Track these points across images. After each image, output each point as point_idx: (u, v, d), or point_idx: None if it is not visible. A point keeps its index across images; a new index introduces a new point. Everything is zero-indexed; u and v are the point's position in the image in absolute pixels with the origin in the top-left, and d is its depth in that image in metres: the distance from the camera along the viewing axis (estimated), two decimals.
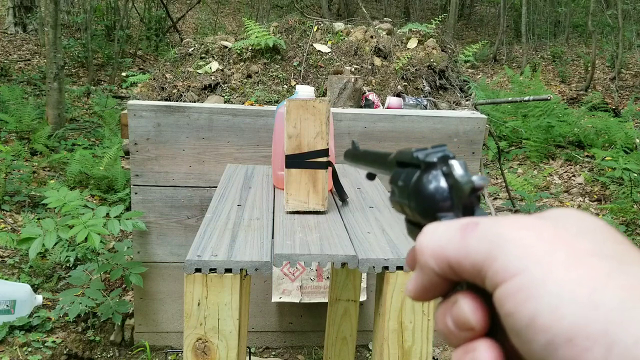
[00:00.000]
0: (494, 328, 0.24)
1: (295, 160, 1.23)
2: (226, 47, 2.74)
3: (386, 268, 1.01)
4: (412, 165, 0.32)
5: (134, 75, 3.05)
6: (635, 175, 4.06)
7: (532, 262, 0.21)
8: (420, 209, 0.31)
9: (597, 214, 3.94)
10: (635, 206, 3.80)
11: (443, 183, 0.30)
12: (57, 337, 2.36)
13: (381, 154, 0.40)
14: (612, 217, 3.74)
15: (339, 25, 2.98)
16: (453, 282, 0.26)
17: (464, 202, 0.29)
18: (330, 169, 1.28)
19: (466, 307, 0.25)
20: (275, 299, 2.23)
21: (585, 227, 0.23)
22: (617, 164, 4.21)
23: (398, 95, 2.53)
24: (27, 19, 8.49)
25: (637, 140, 4.63)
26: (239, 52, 2.68)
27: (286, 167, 1.23)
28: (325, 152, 1.23)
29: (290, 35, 2.83)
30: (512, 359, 0.23)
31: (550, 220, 0.24)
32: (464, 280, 0.25)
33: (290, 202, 1.24)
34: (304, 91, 1.38)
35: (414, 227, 0.32)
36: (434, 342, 1.89)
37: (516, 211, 3.72)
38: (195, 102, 2.41)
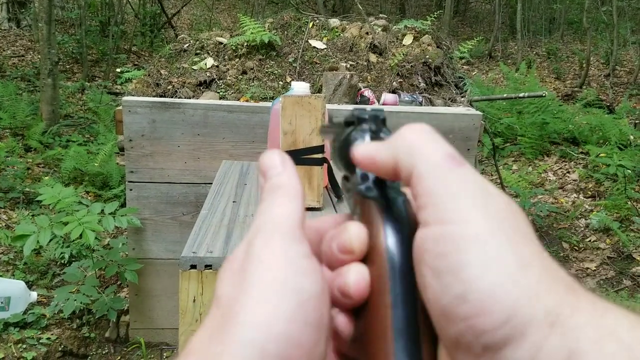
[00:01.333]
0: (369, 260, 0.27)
1: (290, 157, 1.23)
2: (221, 43, 2.73)
3: None
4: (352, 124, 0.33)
5: (128, 71, 3.03)
6: (629, 171, 4.08)
7: (469, 219, 0.23)
8: (343, 159, 0.32)
9: (592, 210, 3.96)
10: (629, 202, 3.82)
11: (367, 137, 0.31)
12: (52, 334, 2.35)
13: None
14: (606, 214, 3.76)
15: (334, 22, 2.97)
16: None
17: None
18: (325, 165, 1.28)
19: (353, 232, 0.27)
20: None
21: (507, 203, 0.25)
22: (612, 160, 4.23)
23: (393, 91, 2.53)
24: (20, 14, 8.43)
25: (631, 137, 4.66)
26: (234, 48, 2.67)
27: None
28: (320, 149, 1.23)
29: (285, 32, 2.83)
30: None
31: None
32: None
33: None
34: (300, 87, 1.37)
35: (346, 182, 0.34)
36: None
37: None
38: (190, 98, 2.40)
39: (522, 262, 0.22)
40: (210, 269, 0.96)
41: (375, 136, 0.31)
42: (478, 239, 0.23)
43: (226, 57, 2.67)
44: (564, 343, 0.20)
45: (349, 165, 0.31)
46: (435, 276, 0.23)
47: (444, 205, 0.24)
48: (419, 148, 0.26)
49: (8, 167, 4.01)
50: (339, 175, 1.50)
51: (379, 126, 0.32)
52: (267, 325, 0.22)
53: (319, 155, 1.23)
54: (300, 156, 1.23)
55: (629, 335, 0.19)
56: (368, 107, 0.33)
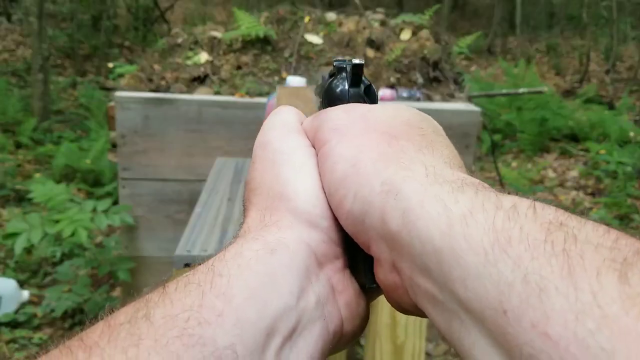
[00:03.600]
0: None
1: None
2: (216, 37, 2.68)
3: None
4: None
5: (121, 66, 2.98)
6: (629, 168, 4.05)
7: (335, 135, 0.31)
8: (325, 103, 0.36)
9: (592, 208, 3.93)
10: (629, 200, 3.79)
11: (346, 83, 0.35)
12: (43, 334, 2.31)
13: None
14: (606, 212, 3.73)
15: (330, 16, 2.93)
16: None
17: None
18: None
19: None
20: None
21: (394, 113, 0.32)
22: (612, 157, 4.20)
23: (391, 87, 2.49)
24: (11, 8, 8.34)
25: (632, 134, 4.63)
26: (228, 43, 2.62)
27: None
28: None
29: (281, 26, 2.78)
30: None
31: (369, 107, 0.33)
32: None
33: None
34: (295, 81, 1.33)
35: None
36: (426, 337, 1.86)
37: None
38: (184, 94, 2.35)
39: (358, 150, 0.29)
40: None
41: (352, 82, 0.35)
42: (337, 148, 0.30)
43: (221, 51, 2.62)
44: (398, 204, 0.25)
45: (330, 105, 0.35)
46: (326, 186, 0.30)
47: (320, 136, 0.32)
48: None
49: None
50: None
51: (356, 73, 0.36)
52: (309, 193, 0.29)
53: None
54: None
55: (448, 197, 0.24)
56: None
